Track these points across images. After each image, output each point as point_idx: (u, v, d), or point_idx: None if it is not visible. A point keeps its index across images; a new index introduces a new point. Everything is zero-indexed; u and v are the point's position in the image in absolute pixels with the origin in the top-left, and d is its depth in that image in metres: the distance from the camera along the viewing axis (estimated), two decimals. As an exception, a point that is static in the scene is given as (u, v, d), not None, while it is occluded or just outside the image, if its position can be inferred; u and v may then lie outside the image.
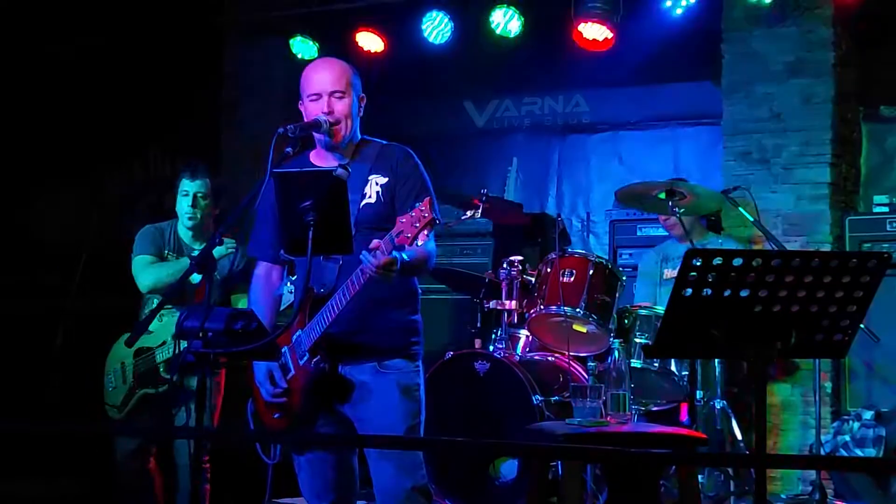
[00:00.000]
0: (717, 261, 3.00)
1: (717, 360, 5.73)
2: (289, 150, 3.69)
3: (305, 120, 3.88)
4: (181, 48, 8.40)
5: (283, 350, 3.87)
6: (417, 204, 3.57)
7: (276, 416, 3.92)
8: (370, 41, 7.67)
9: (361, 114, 3.99)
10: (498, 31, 7.32)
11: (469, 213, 6.37)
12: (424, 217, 3.54)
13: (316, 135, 3.90)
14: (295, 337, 3.86)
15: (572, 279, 5.48)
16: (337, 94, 3.88)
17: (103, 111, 8.67)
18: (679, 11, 6.93)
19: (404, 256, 3.67)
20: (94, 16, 8.16)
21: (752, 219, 6.10)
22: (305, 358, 3.82)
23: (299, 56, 7.78)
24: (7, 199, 8.76)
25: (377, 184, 3.92)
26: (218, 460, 5.46)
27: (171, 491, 5.40)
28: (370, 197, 3.91)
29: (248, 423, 4.07)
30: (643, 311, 5.57)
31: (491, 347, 5.96)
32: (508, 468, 5.60)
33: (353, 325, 3.80)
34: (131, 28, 8.28)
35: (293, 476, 4.06)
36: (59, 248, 7.59)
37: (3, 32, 8.06)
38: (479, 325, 6.36)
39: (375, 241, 3.60)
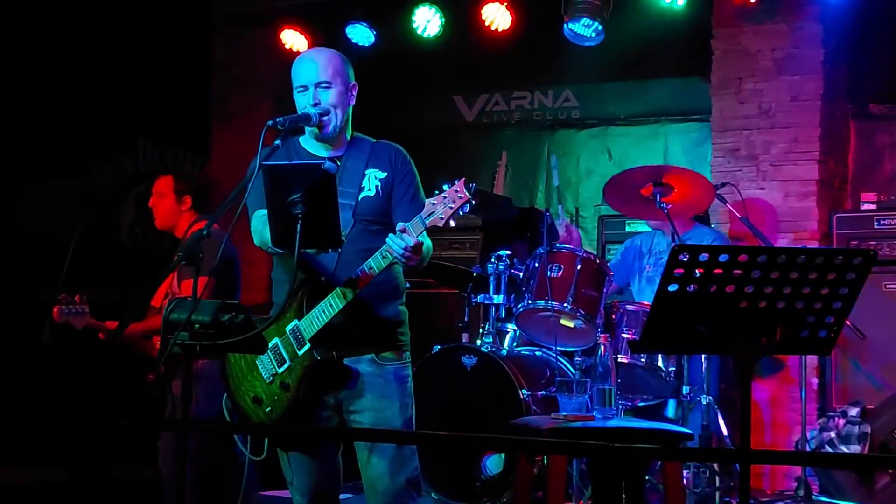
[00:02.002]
0: (704, 256, 3.01)
1: (703, 356, 5.73)
2: (278, 142, 3.69)
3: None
4: (171, 40, 8.38)
5: (274, 342, 3.83)
6: (447, 186, 3.57)
7: (267, 409, 3.85)
8: (360, 34, 7.66)
9: (353, 102, 3.97)
10: (488, 26, 7.31)
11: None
12: (460, 198, 3.53)
13: (307, 127, 3.89)
14: (290, 327, 3.82)
15: (560, 274, 5.49)
16: (323, 85, 3.86)
17: (93, 103, 8.65)
18: (670, 5, 6.93)
19: (428, 241, 3.69)
20: (84, 7, 8.14)
21: (739, 215, 6.12)
22: (306, 348, 3.78)
23: (289, 48, 7.77)
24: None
25: (376, 178, 3.91)
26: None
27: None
28: (369, 190, 3.90)
29: (225, 418, 4.05)
30: (630, 307, 5.58)
31: (478, 342, 5.97)
32: (494, 462, 5.61)
33: (347, 316, 3.75)
34: (121, 19, 8.26)
35: (278, 469, 4.04)
36: (48, 239, 7.57)
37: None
38: (466, 319, 6.36)
39: (402, 225, 3.59)
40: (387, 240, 3.62)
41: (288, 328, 3.81)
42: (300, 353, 3.79)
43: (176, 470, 4.60)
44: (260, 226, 3.83)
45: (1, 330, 7.87)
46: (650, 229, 6.35)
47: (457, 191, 3.55)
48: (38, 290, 6.86)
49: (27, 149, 8.81)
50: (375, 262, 3.67)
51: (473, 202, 3.56)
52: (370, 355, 3.87)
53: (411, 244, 3.57)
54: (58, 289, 5.90)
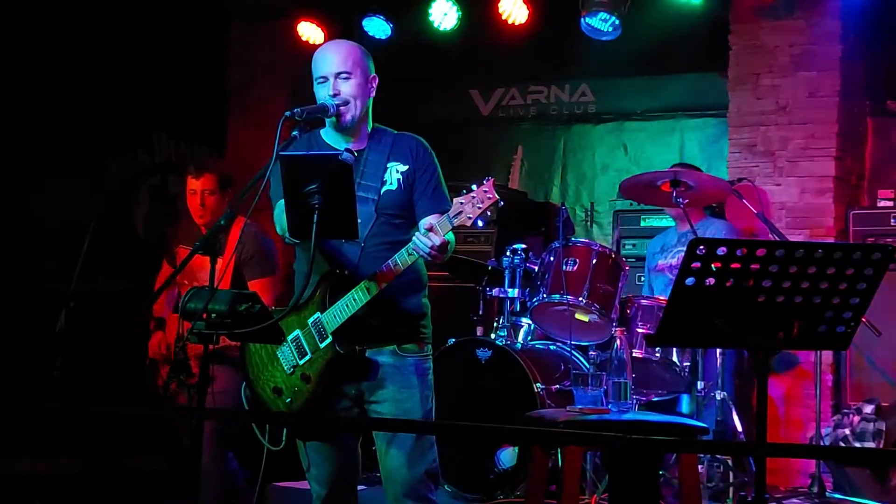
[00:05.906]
0: (721, 250, 3.00)
1: (718, 351, 5.73)
2: (295, 133, 3.68)
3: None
4: (187, 32, 8.40)
5: (296, 333, 3.83)
6: (475, 185, 3.56)
7: (287, 400, 3.85)
8: (377, 27, 7.67)
9: (373, 94, 3.95)
10: (505, 20, 7.31)
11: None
12: (489, 198, 3.54)
13: (325, 117, 3.89)
14: (312, 319, 3.81)
15: (575, 268, 5.49)
16: (343, 76, 3.84)
17: (109, 96, 8.67)
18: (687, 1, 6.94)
19: (452, 238, 3.68)
20: (100, 0, 8.16)
21: (755, 211, 6.11)
22: (328, 341, 3.78)
23: (306, 40, 7.78)
24: (11, 183, 8.77)
25: (398, 171, 3.90)
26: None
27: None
28: (391, 184, 3.88)
29: (244, 408, 4.05)
30: (645, 302, 5.59)
31: (493, 335, 5.97)
32: (508, 455, 5.61)
33: (370, 308, 3.75)
34: (137, 12, 8.27)
35: (295, 460, 4.04)
36: (63, 232, 7.60)
37: (6, 17, 8.06)
38: (481, 312, 6.37)
39: (429, 223, 3.59)
40: (413, 238, 3.62)
41: (310, 320, 3.81)
42: (322, 345, 3.78)
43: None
44: (281, 215, 3.83)
45: (16, 322, 7.90)
46: (667, 225, 6.40)
47: (486, 191, 3.54)
48: (53, 283, 6.91)
49: (43, 141, 8.84)
50: (401, 259, 3.67)
51: (501, 203, 3.57)
52: (392, 347, 3.86)
53: (438, 243, 3.57)
54: (73, 281, 5.93)
